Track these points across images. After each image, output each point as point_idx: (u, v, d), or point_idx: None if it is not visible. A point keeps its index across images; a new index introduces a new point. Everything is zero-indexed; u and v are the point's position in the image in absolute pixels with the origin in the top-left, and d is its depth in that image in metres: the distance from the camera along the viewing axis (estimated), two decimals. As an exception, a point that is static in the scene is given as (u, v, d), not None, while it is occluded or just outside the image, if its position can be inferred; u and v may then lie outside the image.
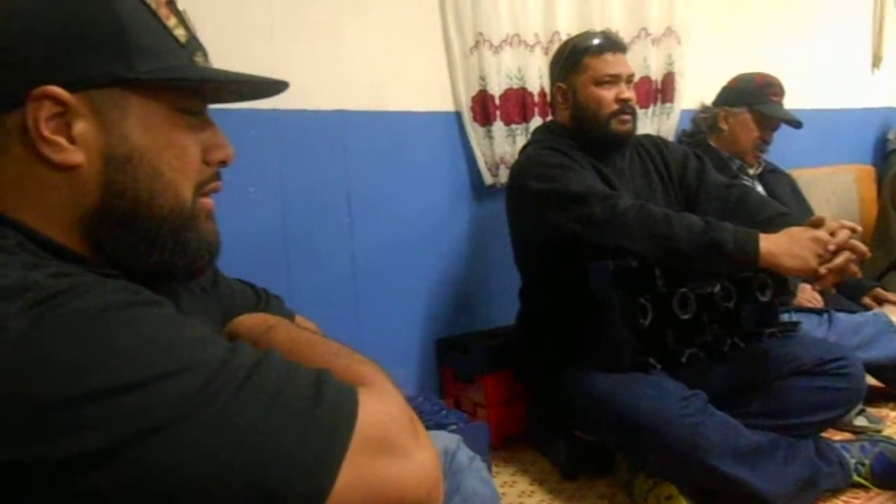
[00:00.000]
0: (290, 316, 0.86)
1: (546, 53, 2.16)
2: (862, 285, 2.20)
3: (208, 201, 0.64)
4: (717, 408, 1.43)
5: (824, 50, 3.03)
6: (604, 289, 1.46)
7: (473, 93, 2.06)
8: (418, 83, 2.01)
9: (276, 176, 1.78)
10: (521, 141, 2.09)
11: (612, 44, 1.70)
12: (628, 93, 1.68)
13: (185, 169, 0.60)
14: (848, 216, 2.78)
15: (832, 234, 1.37)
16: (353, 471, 0.48)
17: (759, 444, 1.40)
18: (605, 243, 1.46)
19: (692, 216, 1.45)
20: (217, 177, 0.65)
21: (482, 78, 2.05)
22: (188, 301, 0.70)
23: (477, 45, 2.03)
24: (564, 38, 2.14)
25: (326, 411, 0.49)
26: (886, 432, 1.78)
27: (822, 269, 1.35)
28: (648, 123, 2.39)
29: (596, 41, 1.70)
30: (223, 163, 0.65)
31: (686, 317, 1.45)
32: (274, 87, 0.67)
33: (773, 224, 1.48)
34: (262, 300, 0.85)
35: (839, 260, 1.35)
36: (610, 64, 1.67)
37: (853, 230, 1.40)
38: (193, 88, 0.61)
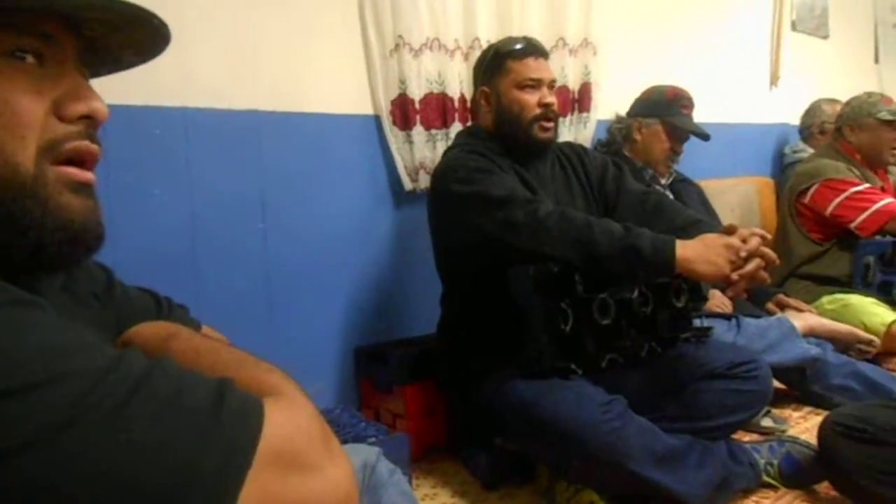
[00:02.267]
0: (195, 326, 0.79)
1: (466, 59, 2.15)
2: (766, 291, 2.30)
3: (72, 170, 0.53)
4: (635, 412, 1.44)
5: (728, 67, 3.18)
6: (525, 294, 1.45)
7: (393, 96, 2.02)
8: (336, 85, 1.95)
9: (185, 177, 1.68)
10: (442, 146, 2.06)
11: (535, 49, 1.72)
12: (550, 98, 1.69)
13: (15, 125, 0.49)
14: (751, 226, 2.92)
15: (744, 241, 1.41)
16: (259, 488, 0.43)
17: (675, 448, 1.43)
18: (526, 248, 1.45)
19: (612, 222, 1.46)
20: (83, 136, 0.53)
21: (402, 81, 2.01)
22: (71, 305, 0.63)
23: (397, 47, 2.00)
24: (485, 44, 2.15)
25: (228, 423, 0.44)
26: (790, 432, 1.86)
27: (735, 276, 1.38)
28: (566, 132, 2.42)
29: (519, 45, 1.71)
30: (89, 118, 0.54)
31: (606, 322, 1.46)
32: (151, 35, 0.57)
33: (689, 231, 1.52)
34: (164, 308, 0.78)
35: (750, 266, 1.39)
36: (532, 68, 1.68)
37: (763, 238, 1.45)
38: (23, 24, 0.50)
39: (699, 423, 1.51)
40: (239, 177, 1.77)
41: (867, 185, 2.49)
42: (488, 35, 2.19)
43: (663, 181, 2.34)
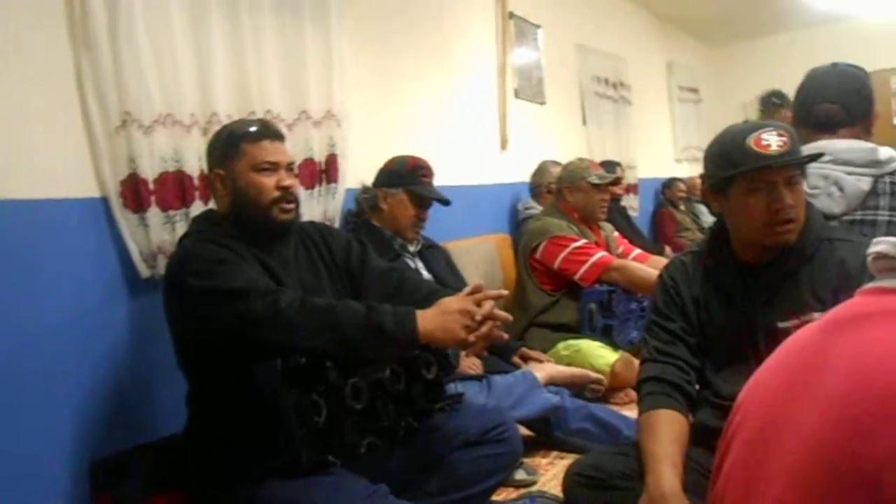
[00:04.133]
0: None
1: (205, 134, 2.06)
2: (510, 346, 2.48)
3: None
4: (400, 492, 1.45)
5: (463, 134, 3.44)
6: (274, 390, 1.39)
7: (122, 176, 1.86)
8: (52, 166, 1.75)
9: None
10: (182, 228, 1.94)
11: (270, 131, 1.68)
12: (289, 180, 1.66)
13: None
14: (494, 281, 3.16)
15: (479, 304, 1.49)
16: None
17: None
18: (270, 341, 1.40)
19: (354, 303, 1.47)
20: None
21: (132, 160, 1.86)
22: None
23: (124, 124, 1.85)
24: (224, 119, 2.09)
25: None
26: (542, 479, 2.01)
27: (471, 338, 1.46)
28: (315, 204, 2.42)
29: (253, 128, 1.66)
30: None
31: (360, 406, 1.46)
32: None
33: (429, 302, 1.57)
34: None
35: (484, 329, 1.46)
36: (269, 151, 1.64)
37: (499, 297, 1.53)
38: None
39: (460, 493, 1.57)
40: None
41: (585, 240, 2.83)
42: (228, 109, 2.13)
43: (412, 248, 2.43)
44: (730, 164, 1.39)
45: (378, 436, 1.51)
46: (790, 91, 1.85)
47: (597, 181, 2.89)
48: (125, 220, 1.86)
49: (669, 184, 5.68)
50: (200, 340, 1.53)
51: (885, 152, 1.59)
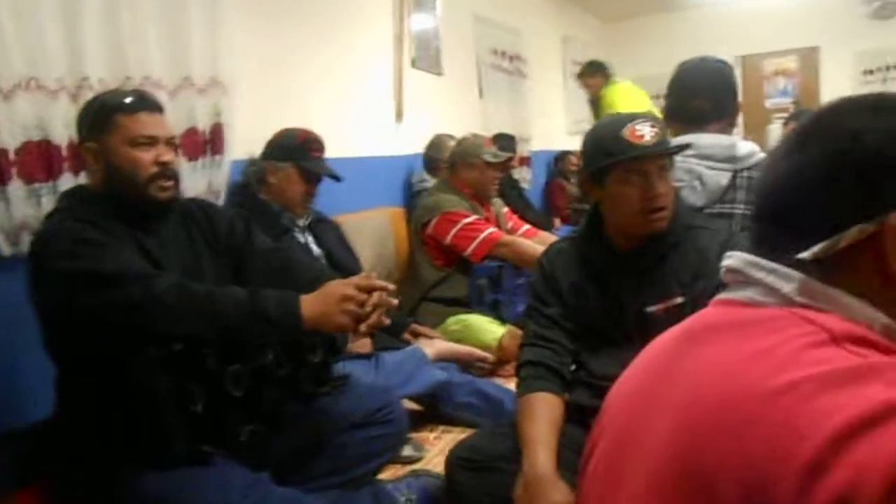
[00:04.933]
0: None
1: (74, 101, 1.92)
2: (400, 323, 2.50)
3: None
4: (285, 476, 1.44)
5: (358, 104, 3.38)
6: (148, 378, 1.34)
7: (-21, 146, 1.71)
8: None
9: None
10: (48, 202, 1.82)
11: (149, 103, 1.58)
12: (168, 156, 1.56)
13: None
14: (386, 255, 3.16)
15: (366, 290, 1.45)
16: None
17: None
18: (146, 328, 1.34)
19: (236, 289, 1.43)
20: None
21: (-11, 128, 1.72)
22: None
23: (-21, 88, 1.70)
24: (96, 84, 1.96)
25: None
26: (429, 455, 2.05)
27: (362, 328, 1.45)
28: (199, 176, 2.32)
29: (129, 99, 1.55)
30: None
31: (240, 393, 1.43)
32: None
33: (314, 286, 1.54)
34: None
35: (373, 318, 1.46)
36: (146, 124, 1.54)
37: (385, 289, 1.53)
38: None
39: (347, 474, 1.59)
40: None
41: (476, 216, 2.87)
42: (101, 74, 2.00)
43: (301, 222, 2.38)
44: (606, 154, 1.44)
45: (261, 422, 1.49)
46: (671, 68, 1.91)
47: (491, 159, 2.93)
48: (-18, 194, 1.72)
49: (561, 157, 5.84)
50: (69, 325, 1.44)
51: (744, 147, 1.69)
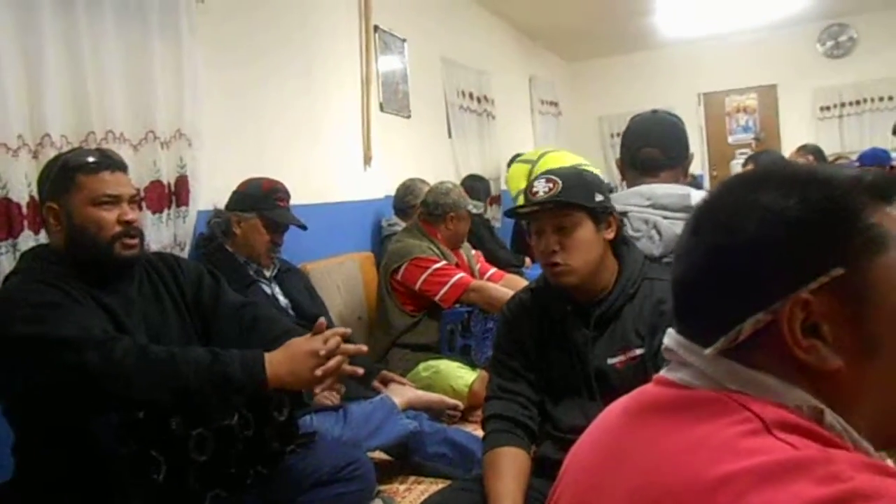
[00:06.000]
0: None
1: (36, 158, 1.91)
2: (370, 370, 2.48)
3: None
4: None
5: (325, 150, 3.39)
6: (108, 445, 1.32)
7: (-64, 205, 1.69)
8: None
9: None
10: (7, 260, 1.79)
11: (111, 162, 1.57)
12: (132, 214, 1.56)
13: None
14: (356, 301, 3.15)
15: (326, 341, 1.46)
16: None
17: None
18: (106, 395, 1.32)
19: (197, 350, 1.41)
20: None
21: (-53, 187, 1.70)
22: None
23: (-63, 148, 1.68)
24: (58, 140, 1.95)
25: None
26: (399, 506, 2.03)
27: (318, 372, 1.44)
28: (164, 228, 2.31)
29: (92, 158, 1.54)
30: None
31: (203, 458, 1.41)
32: None
33: (282, 341, 1.53)
34: None
35: (332, 363, 1.44)
36: (108, 183, 1.53)
37: (343, 335, 1.52)
38: None
39: (311, 534, 1.55)
40: None
41: (445, 261, 2.89)
42: (63, 130, 1.98)
43: (268, 273, 2.37)
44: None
45: (224, 486, 1.46)
46: (641, 107, 1.98)
47: (474, 210, 2.99)
48: (-62, 254, 1.69)
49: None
50: (28, 390, 1.41)
51: (698, 196, 1.73)
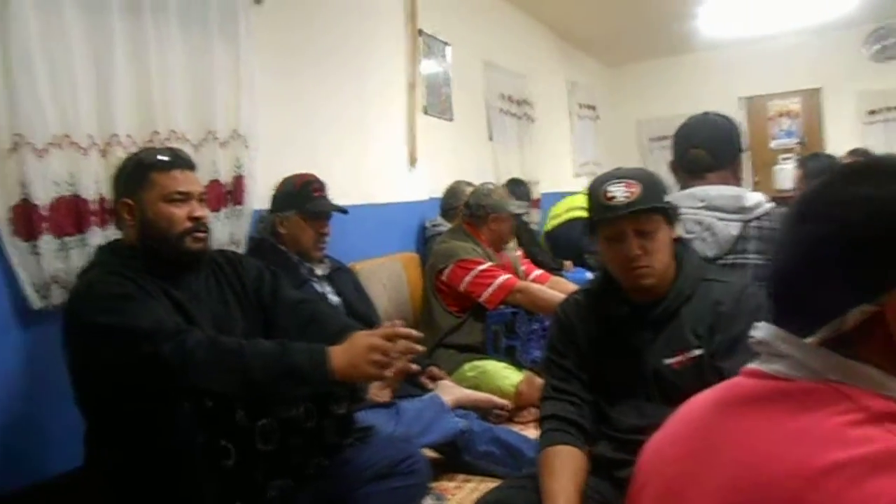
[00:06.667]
0: None
1: (104, 156, 1.98)
2: (420, 365, 2.51)
3: None
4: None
5: (373, 152, 3.44)
6: (182, 433, 1.36)
7: (13, 202, 1.76)
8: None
9: None
10: (77, 255, 1.86)
11: (182, 161, 1.64)
12: (201, 210, 1.62)
13: None
14: (401, 301, 3.18)
15: (390, 339, 1.47)
16: None
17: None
18: (178, 384, 1.37)
19: (265, 343, 1.46)
20: None
21: (23, 185, 1.77)
22: None
23: (15, 147, 1.75)
24: (125, 140, 2.01)
25: None
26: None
27: (388, 373, 1.48)
28: (220, 227, 2.36)
29: (164, 157, 1.62)
30: None
31: (270, 448, 1.45)
32: None
33: (343, 337, 1.57)
34: None
35: (400, 365, 1.50)
36: (180, 181, 1.60)
37: (410, 336, 1.55)
38: None
39: (369, 526, 1.58)
40: None
41: (490, 263, 2.91)
42: (129, 130, 2.05)
43: (319, 272, 2.41)
44: (592, 211, 1.49)
45: (288, 476, 1.50)
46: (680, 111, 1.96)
47: (516, 211, 3.00)
48: (14, 249, 1.77)
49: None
50: (103, 379, 1.47)
51: (752, 198, 1.72)
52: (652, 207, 1.44)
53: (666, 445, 0.78)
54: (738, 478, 0.60)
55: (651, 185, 1.46)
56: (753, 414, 0.64)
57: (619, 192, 1.42)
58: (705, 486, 0.64)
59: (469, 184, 3.58)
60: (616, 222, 1.44)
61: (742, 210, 1.72)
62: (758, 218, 1.71)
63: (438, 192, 3.84)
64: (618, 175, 1.46)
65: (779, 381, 0.63)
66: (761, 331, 0.68)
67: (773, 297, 0.66)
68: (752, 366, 0.71)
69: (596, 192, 1.46)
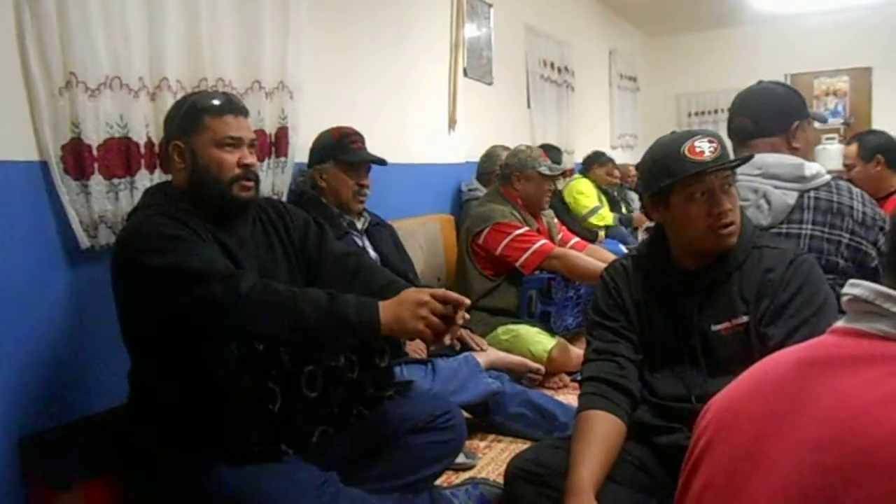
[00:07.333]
0: None
1: (153, 100, 1.98)
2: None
3: None
4: (345, 477, 1.46)
5: (413, 112, 3.41)
6: (229, 375, 1.37)
7: (64, 141, 1.76)
8: (-11, 126, 1.65)
9: None
10: (126, 197, 1.87)
11: (235, 106, 1.62)
12: (251, 158, 1.61)
13: None
14: (437, 262, 3.18)
15: (441, 300, 1.44)
16: None
17: (384, 510, 1.48)
18: (229, 326, 1.37)
19: (316, 291, 1.45)
20: None
21: (75, 124, 1.77)
22: None
23: (68, 85, 1.75)
24: (174, 84, 2.01)
25: None
26: (480, 463, 2.06)
27: (447, 340, 1.46)
28: (263, 177, 2.36)
29: (217, 101, 1.60)
30: None
31: (314, 394, 1.46)
32: None
33: (388, 291, 1.56)
34: None
35: (457, 331, 1.48)
36: (232, 126, 1.59)
37: (461, 303, 1.53)
38: None
39: (405, 478, 1.60)
40: None
41: (527, 227, 2.88)
42: (178, 74, 2.04)
43: (360, 226, 2.41)
44: (667, 173, 1.44)
45: (329, 424, 1.51)
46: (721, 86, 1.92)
47: (547, 171, 2.94)
48: (66, 187, 1.77)
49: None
50: (151, 319, 1.48)
51: (811, 168, 1.67)
52: (738, 163, 1.43)
53: (743, 403, 0.75)
54: (830, 439, 0.58)
55: (724, 144, 1.45)
56: (848, 374, 0.61)
57: (707, 147, 1.41)
58: (789, 446, 0.62)
59: (505, 147, 3.53)
60: (706, 178, 1.41)
61: (800, 179, 1.67)
62: (815, 188, 1.67)
63: (475, 156, 3.80)
64: (694, 133, 1.45)
65: (876, 341, 0.61)
66: (860, 289, 0.65)
67: (890, 254, 0.63)
68: (845, 325, 0.68)
69: (676, 151, 1.42)
